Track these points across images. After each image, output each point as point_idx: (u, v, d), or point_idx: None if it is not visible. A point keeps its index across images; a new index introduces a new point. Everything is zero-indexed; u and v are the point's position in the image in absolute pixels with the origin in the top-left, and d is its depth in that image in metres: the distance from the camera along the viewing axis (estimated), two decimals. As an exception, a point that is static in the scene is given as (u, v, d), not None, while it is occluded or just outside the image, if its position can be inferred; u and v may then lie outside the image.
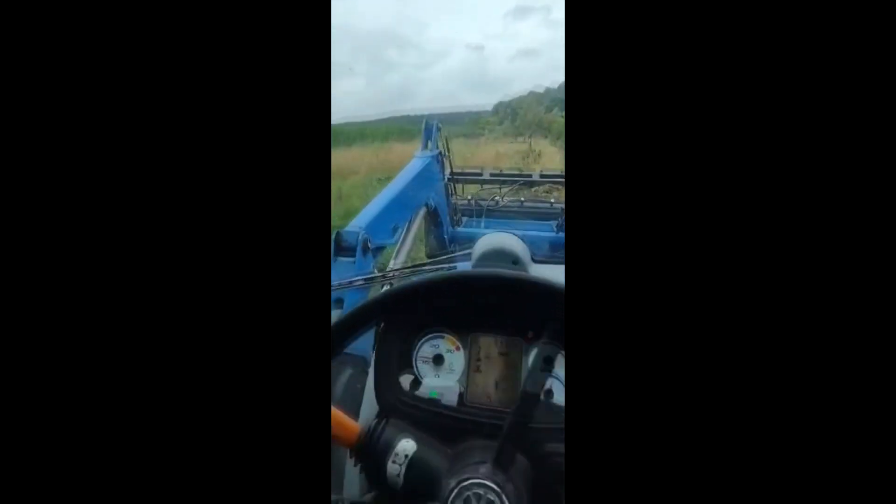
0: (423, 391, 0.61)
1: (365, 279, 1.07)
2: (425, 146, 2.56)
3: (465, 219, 3.15)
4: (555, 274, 0.92)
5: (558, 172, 3.33)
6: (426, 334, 0.63)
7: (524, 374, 0.61)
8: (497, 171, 3.44)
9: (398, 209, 1.88)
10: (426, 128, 2.59)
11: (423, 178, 2.29)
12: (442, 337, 0.63)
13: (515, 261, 0.88)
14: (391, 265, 1.84)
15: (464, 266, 1.00)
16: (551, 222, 3.07)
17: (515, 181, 3.34)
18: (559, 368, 0.59)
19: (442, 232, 2.78)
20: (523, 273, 0.56)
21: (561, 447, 0.54)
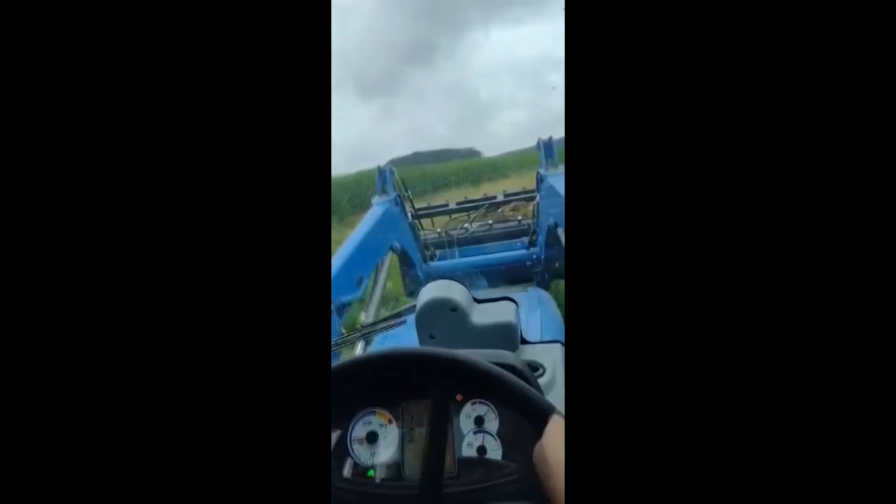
0: (361, 473, 0.60)
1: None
2: (381, 192, 2.59)
3: (438, 252, 3.17)
4: (496, 312, 0.94)
5: (520, 190, 3.37)
6: (358, 415, 0.63)
7: (456, 436, 0.61)
8: (462, 200, 3.48)
9: (361, 260, 1.89)
10: (380, 174, 2.62)
11: (384, 224, 2.31)
12: (374, 413, 0.63)
13: (454, 308, 0.89)
14: (362, 318, 1.82)
15: (410, 318, 1.01)
16: (522, 239, 3.10)
17: (481, 206, 3.38)
18: (489, 425, 0.60)
19: (416, 271, 2.79)
20: (428, 350, 0.58)
21: None
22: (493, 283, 2.76)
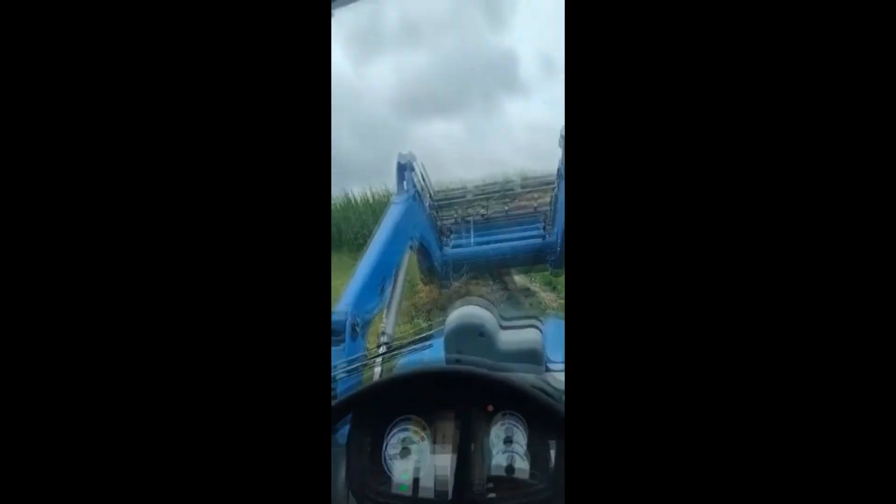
0: (394, 486, 0.65)
1: (350, 366, 1.10)
2: (401, 187, 2.53)
3: (453, 235, 3.19)
4: (518, 338, 0.97)
5: (538, 177, 3.37)
6: (394, 425, 0.67)
7: (486, 453, 0.65)
8: (480, 184, 3.49)
9: (385, 267, 1.81)
10: (399, 168, 2.55)
11: (405, 222, 2.23)
12: (409, 420, 0.67)
13: (482, 333, 0.92)
14: (383, 324, 1.80)
15: (438, 340, 1.04)
16: (537, 224, 3.12)
17: (499, 193, 3.39)
18: (518, 444, 0.64)
19: (432, 260, 2.81)
20: (472, 369, 0.61)
21: None
22: (507, 266, 2.76)
